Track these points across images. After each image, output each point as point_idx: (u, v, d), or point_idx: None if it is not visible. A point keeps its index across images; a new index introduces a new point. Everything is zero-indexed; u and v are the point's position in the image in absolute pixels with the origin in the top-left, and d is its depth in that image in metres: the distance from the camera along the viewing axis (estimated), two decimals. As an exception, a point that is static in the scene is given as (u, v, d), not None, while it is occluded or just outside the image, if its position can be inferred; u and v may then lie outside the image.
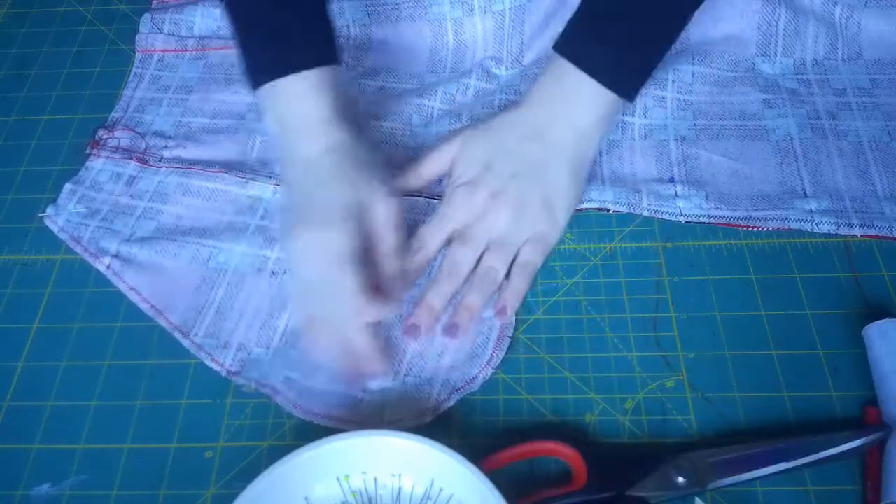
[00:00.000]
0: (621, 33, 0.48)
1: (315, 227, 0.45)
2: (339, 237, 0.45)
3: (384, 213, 0.47)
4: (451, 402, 0.45)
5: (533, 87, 0.52)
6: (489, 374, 0.46)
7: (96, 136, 0.60)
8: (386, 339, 0.48)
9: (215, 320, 0.50)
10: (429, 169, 0.53)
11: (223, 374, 0.47)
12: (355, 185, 0.47)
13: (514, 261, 0.49)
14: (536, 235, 0.49)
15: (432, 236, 0.49)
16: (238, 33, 0.50)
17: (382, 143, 0.58)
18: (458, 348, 0.47)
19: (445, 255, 0.49)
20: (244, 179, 0.56)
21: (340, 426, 0.45)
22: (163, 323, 0.50)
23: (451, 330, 0.47)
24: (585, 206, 0.53)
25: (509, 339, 0.48)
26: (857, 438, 0.41)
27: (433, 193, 0.55)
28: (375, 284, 0.46)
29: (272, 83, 0.48)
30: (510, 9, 0.62)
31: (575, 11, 0.50)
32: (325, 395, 0.46)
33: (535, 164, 0.50)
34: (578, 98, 0.49)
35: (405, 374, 0.47)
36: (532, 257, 0.49)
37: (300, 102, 0.48)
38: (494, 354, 0.47)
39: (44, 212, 0.56)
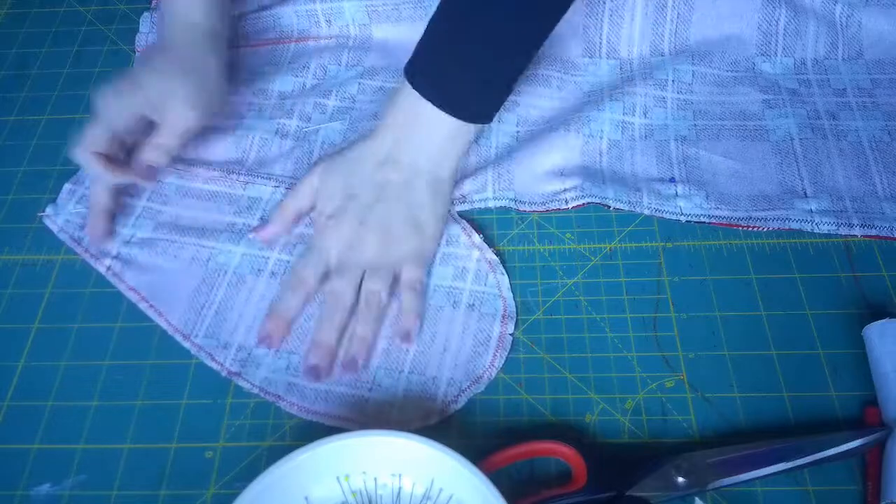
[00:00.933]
0: (465, 57, 0.48)
1: (139, 72, 0.53)
2: (140, 92, 0.52)
3: (182, 118, 0.52)
4: (460, 404, 0.46)
5: (386, 111, 0.52)
6: (494, 374, 0.46)
7: (96, 136, 0.60)
8: (389, 338, 0.48)
9: (215, 321, 0.50)
10: (290, 210, 0.53)
11: (223, 374, 0.47)
12: (189, 77, 0.53)
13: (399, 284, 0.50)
14: (411, 252, 0.50)
15: (308, 272, 0.49)
16: None
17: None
18: (459, 346, 0.47)
19: (325, 291, 0.49)
20: (243, 182, 0.56)
21: (345, 426, 0.45)
22: (163, 325, 0.50)
23: (350, 364, 0.47)
24: (586, 200, 0.53)
25: (511, 337, 0.48)
26: (857, 438, 0.41)
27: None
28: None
29: None
30: (510, 9, 0.62)
31: (423, 32, 0.51)
32: (330, 394, 0.46)
33: (395, 188, 0.50)
34: (425, 125, 0.50)
35: (409, 372, 0.47)
36: (414, 274, 0.50)
37: (190, 9, 0.55)
38: (497, 355, 0.47)
39: (43, 212, 0.56)
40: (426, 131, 0.50)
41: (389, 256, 0.49)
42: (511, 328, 0.48)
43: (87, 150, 0.51)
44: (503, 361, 0.47)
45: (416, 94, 0.49)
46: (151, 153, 0.52)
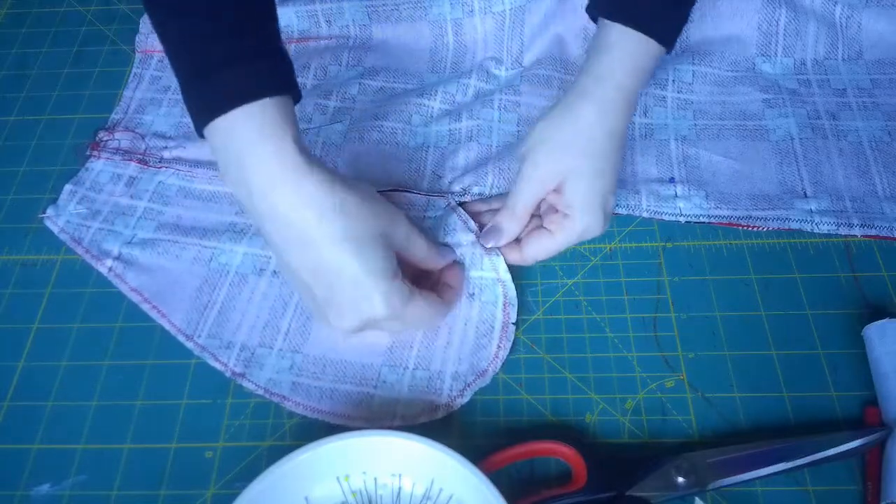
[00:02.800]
0: None
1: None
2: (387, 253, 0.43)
3: (424, 249, 0.46)
4: (465, 399, 0.45)
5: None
6: (499, 366, 0.46)
7: (97, 138, 0.60)
8: (392, 335, 0.48)
9: (218, 321, 0.50)
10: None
11: (227, 374, 0.47)
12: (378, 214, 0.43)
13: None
14: None
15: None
16: (175, 62, 0.42)
17: (382, 142, 0.58)
18: (462, 339, 0.47)
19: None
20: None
21: (351, 424, 0.45)
22: (166, 326, 0.50)
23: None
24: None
25: (513, 327, 0.47)
26: (857, 438, 0.41)
27: (432, 191, 0.55)
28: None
29: (225, 117, 0.39)
30: (510, 10, 0.62)
31: None
32: (335, 392, 0.46)
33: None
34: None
35: (414, 368, 0.47)
36: None
37: (266, 139, 0.39)
38: (501, 346, 0.47)
39: (44, 212, 0.56)
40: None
41: None
42: (513, 316, 0.48)
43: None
44: (507, 352, 0.47)
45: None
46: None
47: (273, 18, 0.44)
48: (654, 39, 0.47)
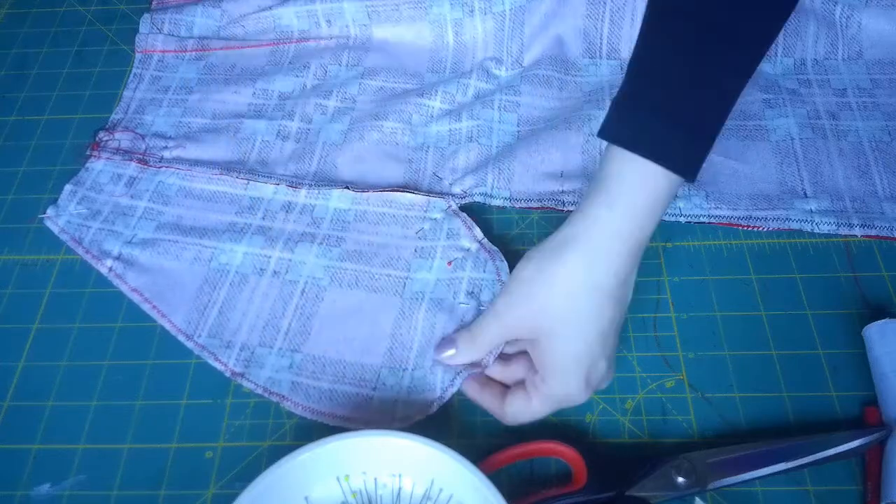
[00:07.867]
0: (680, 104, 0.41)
1: None
2: None
3: None
4: (455, 388, 0.45)
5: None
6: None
7: (97, 138, 0.60)
8: (392, 337, 0.48)
9: (218, 321, 0.50)
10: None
11: (227, 374, 0.47)
12: None
13: None
14: None
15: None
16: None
17: (382, 142, 0.58)
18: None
19: None
20: (245, 181, 0.56)
21: (349, 425, 0.45)
22: (166, 326, 0.50)
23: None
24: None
25: None
26: (857, 438, 0.41)
27: (432, 191, 0.55)
28: None
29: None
30: (510, 10, 0.62)
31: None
32: (334, 393, 0.46)
33: None
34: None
35: (413, 369, 0.47)
36: None
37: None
38: None
39: (44, 213, 0.56)
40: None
41: None
42: None
43: None
44: None
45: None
46: None
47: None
48: (676, 173, 0.39)
